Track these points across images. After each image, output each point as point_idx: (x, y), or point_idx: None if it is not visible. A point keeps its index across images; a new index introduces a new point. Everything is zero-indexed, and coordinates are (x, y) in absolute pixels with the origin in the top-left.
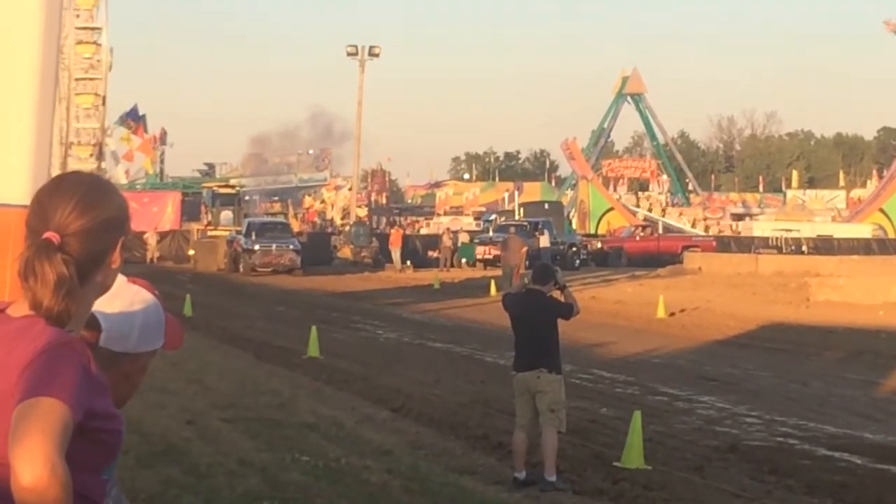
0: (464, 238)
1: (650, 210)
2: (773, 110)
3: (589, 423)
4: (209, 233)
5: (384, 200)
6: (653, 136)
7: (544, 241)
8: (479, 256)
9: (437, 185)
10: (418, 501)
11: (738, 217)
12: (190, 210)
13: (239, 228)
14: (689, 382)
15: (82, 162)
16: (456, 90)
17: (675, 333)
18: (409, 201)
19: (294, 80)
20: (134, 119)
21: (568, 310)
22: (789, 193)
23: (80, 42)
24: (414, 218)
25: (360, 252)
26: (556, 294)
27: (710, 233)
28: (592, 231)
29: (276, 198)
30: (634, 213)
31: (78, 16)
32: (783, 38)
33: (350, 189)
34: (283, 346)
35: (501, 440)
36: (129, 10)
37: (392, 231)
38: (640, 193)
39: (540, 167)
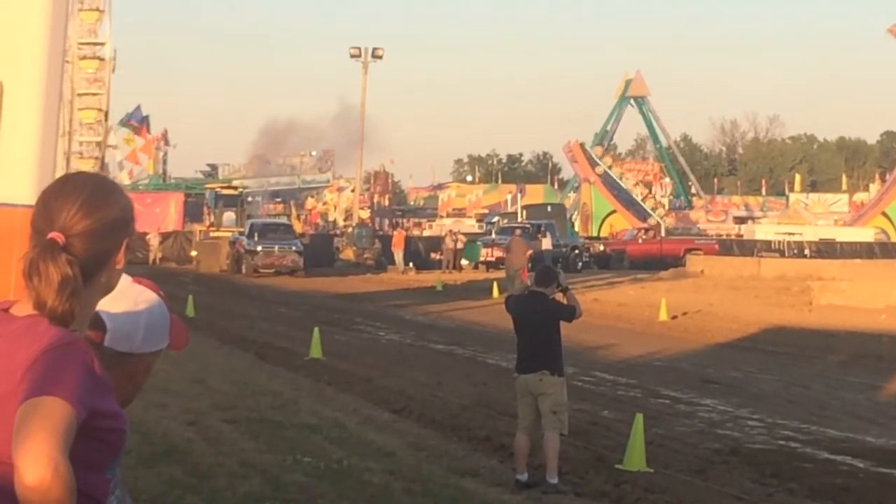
0: (462, 241)
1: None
2: (776, 114)
3: (591, 426)
4: (212, 234)
5: (387, 202)
6: (656, 139)
7: (547, 243)
8: (482, 258)
9: (440, 187)
10: (420, 503)
11: (741, 220)
12: (192, 211)
13: (241, 230)
14: (691, 385)
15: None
16: (459, 92)
17: (678, 336)
18: (412, 203)
19: (297, 81)
20: (137, 120)
21: (570, 312)
22: (792, 197)
23: (83, 57)
24: (416, 220)
25: (363, 254)
26: (559, 296)
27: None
28: (595, 234)
29: (278, 199)
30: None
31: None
32: (787, 42)
33: (353, 191)
34: (285, 348)
35: (503, 442)
36: (133, 10)
37: (395, 233)
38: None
39: (543, 170)
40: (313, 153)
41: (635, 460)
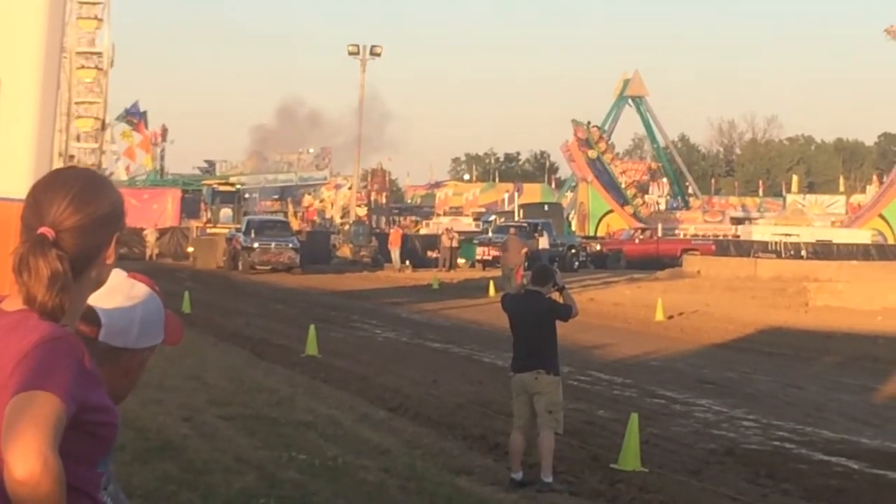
0: (454, 243)
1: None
2: (774, 114)
3: (586, 425)
4: (208, 230)
5: (384, 200)
6: (653, 139)
7: (543, 242)
8: (478, 257)
9: (437, 185)
10: (415, 501)
11: (738, 221)
12: (189, 207)
13: (238, 226)
14: (687, 385)
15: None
16: (457, 91)
17: (674, 336)
18: (409, 201)
19: (295, 77)
20: (135, 116)
21: (566, 311)
22: (789, 198)
23: (80, 67)
24: (414, 218)
25: (360, 251)
26: (555, 295)
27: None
28: (592, 233)
29: (275, 196)
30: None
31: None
32: (785, 43)
33: (350, 188)
34: (281, 345)
35: (499, 441)
36: (131, 6)
37: (391, 231)
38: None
39: (540, 169)
40: (311, 150)
41: (630, 460)
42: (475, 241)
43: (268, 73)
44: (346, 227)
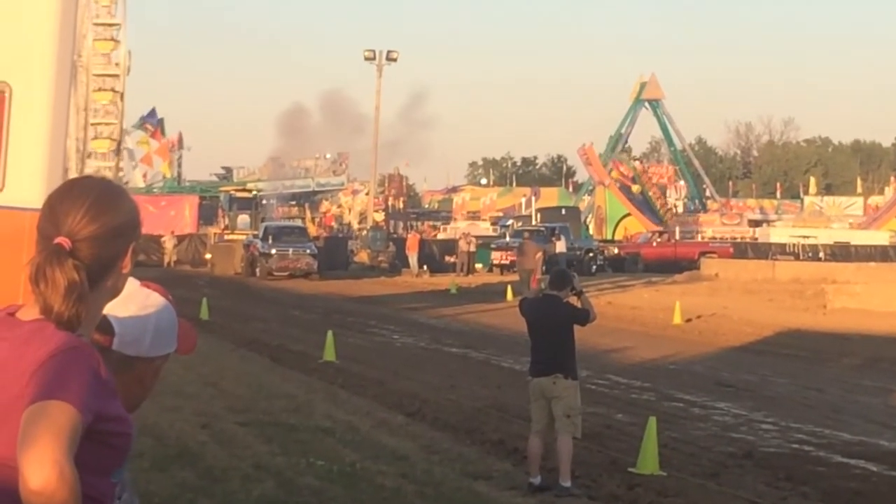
0: (471, 247)
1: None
2: (791, 116)
3: (604, 429)
4: (226, 237)
5: (401, 205)
6: (670, 142)
7: (561, 246)
8: (495, 262)
9: (455, 189)
10: None
11: (756, 223)
12: (207, 214)
13: (256, 232)
14: (705, 389)
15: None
16: (473, 95)
17: (692, 339)
18: (427, 206)
19: (312, 84)
20: (152, 122)
21: (584, 316)
22: (807, 200)
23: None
24: (432, 223)
25: (377, 256)
26: (573, 299)
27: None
28: (609, 237)
29: (293, 202)
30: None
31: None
32: (801, 45)
33: (367, 193)
34: (299, 351)
35: (517, 445)
36: (147, 13)
37: (409, 235)
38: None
39: (557, 172)
40: (328, 156)
41: (648, 464)
42: (492, 246)
43: (285, 79)
44: (364, 232)
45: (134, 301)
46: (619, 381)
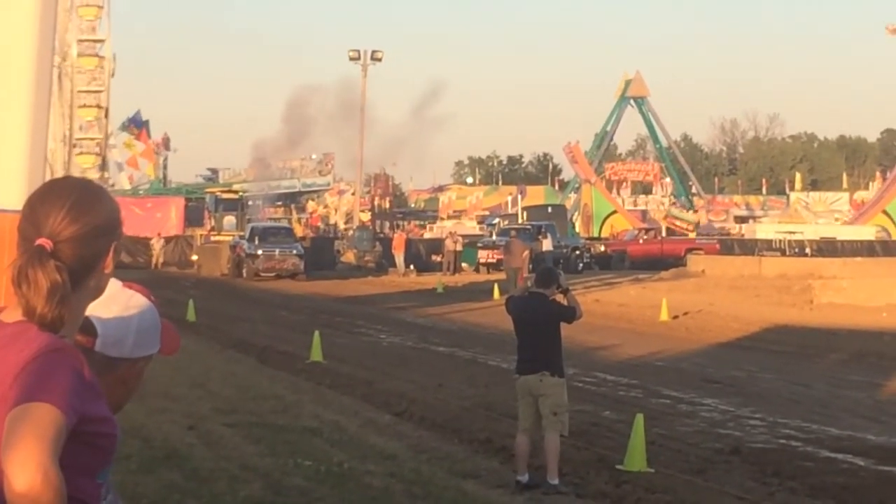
0: (458, 246)
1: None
2: (776, 112)
3: (591, 427)
4: (212, 238)
5: (387, 205)
6: (656, 139)
7: (547, 244)
8: (481, 260)
9: (441, 189)
10: None
11: (742, 219)
12: (193, 215)
13: (242, 233)
14: (692, 385)
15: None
16: (458, 94)
17: (679, 336)
18: (413, 205)
19: (297, 84)
20: (137, 125)
21: (571, 313)
22: (792, 196)
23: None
24: (418, 222)
25: (364, 256)
26: (559, 297)
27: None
28: (596, 234)
29: (279, 203)
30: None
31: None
32: (786, 40)
33: (353, 194)
34: (285, 351)
35: (504, 444)
36: (131, 15)
37: (395, 235)
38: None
39: (543, 171)
40: (313, 156)
41: (636, 461)
42: (478, 245)
43: (270, 81)
44: (350, 232)
45: (116, 302)
46: (606, 378)
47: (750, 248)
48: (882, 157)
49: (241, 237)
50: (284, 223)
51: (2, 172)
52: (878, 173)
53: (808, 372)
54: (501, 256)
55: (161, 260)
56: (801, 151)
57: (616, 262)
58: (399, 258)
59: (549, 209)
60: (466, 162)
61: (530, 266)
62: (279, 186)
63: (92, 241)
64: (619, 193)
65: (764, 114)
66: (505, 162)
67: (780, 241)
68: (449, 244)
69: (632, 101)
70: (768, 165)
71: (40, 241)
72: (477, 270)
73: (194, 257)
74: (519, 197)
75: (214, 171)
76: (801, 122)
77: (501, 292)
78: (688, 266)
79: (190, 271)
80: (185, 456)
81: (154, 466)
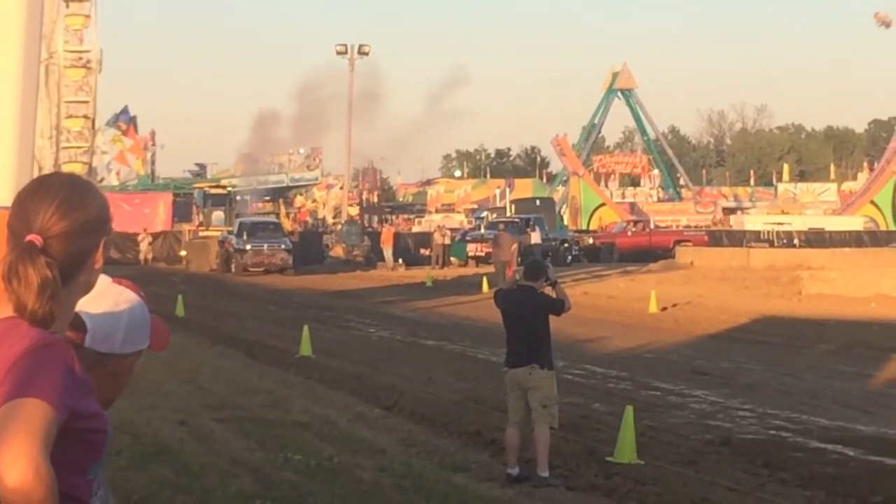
0: (446, 240)
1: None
2: (764, 104)
3: (581, 419)
4: (201, 233)
5: (375, 199)
6: (643, 132)
7: (536, 237)
8: (470, 254)
9: (429, 182)
10: (411, 499)
11: (730, 211)
12: (181, 211)
13: (230, 229)
14: (682, 377)
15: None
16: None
17: (668, 328)
18: (401, 199)
19: (285, 79)
20: (124, 121)
21: (559, 306)
22: (780, 187)
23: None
24: (406, 216)
25: (352, 251)
26: (548, 290)
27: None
28: (584, 227)
29: (267, 197)
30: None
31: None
32: (773, 31)
33: (341, 188)
34: (275, 346)
35: (494, 437)
36: (118, 10)
37: (384, 229)
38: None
39: (531, 164)
40: (301, 151)
41: (626, 453)
42: (467, 238)
43: (257, 75)
44: (339, 226)
45: (106, 298)
46: (595, 370)
47: (738, 239)
48: (869, 147)
49: (230, 232)
50: (273, 218)
51: None
52: (865, 164)
53: (797, 363)
54: (490, 250)
55: (150, 256)
56: (788, 142)
57: (604, 254)
58: (388, 252)
59: (538, 202)
60: (454, 155)
61: (519, 259)
62: (267, 181)
63: (82, 236)
64: (607, 186)
65: (751, 105)
66: (493, 155)
67: (769, 232)
68: (437, 238)
69: (619, 94)
70: (756, 157)
71: (30, 237)
72: (465, 263)
73: (183, 253)
74: (507, 190)
75: (202, 167)
76: (788, 114)
77: (490, 286)
78: (676, 258)
79: (178, 267)
80: (176, 451)
81: (144, 462)
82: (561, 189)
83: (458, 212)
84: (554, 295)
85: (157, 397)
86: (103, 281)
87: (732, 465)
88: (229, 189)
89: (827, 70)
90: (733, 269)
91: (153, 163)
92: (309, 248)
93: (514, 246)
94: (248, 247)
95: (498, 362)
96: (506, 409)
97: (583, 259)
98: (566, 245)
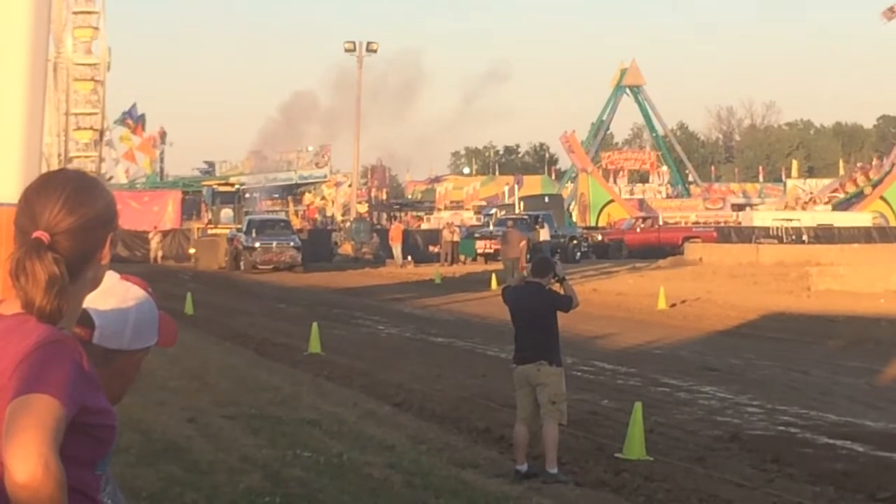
0: (455, 237)
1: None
2: (772, 100)
3: (590, 415)
4: (210, 231)
5: (384, 196)
6: (652, 128)
7: (544, 234)
8: (479, 251)
9: (437, 179)
10: (420, 496)
11: (739, 207)
12: (190, 209)
13: (239, 226)
14: (691, 373)
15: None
16: (453, 85)
17: (676, 324)
18: (409, 196)
19: (293, 76)
20: (133, 118)
21: (567, 302)
22: (789, 183)
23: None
24: (416, 213)
25: (361, 248)
26: (556, 287)
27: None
28: (593, 223)
29: (276, 195)
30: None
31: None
32: (781, 27)
33: (350, 185)
34: (284, 343)
35: (503, 433)
36: (127, 8)
37: (392, 226)
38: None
39: (539, 160)
40: (310, 148)
41: (635, 449)
42: (476, 235)
43: (266, 73)
44: (348, 224)
45: (114, 294)
46: (604, 367)
47: (747, 235)
48: (878, 143)
49: (239, 230)
50: (282, 215)
51: None
52: (874, 160)
53: (806, 359)
54: (499, 247)
55: (160, 254)
56: (797, 139)
57: (613, 250)
58: (396, 249)
59: (546, 199)
60: (463, 152)
61: (528, 256)
62: (276, 179)
63: (88, 232)
64: (615, 182)
65: (760, 101)
66: (501, 152)
67: (778, 228)
68: (446, 235)
69: (628, 90)
70: (765, 153)
71: (37, 233)
72: (474, 260)
73: (192, 250)
74: (516, 187)
75: (211, 164)
76: (797, 110)
77: (499, 282)
78: (685, 254)
79: (187, 264)
80: (185, 448)
81: (153, 459)
82: (570, 186)
83: (467, 209)
84: (562, 291)
85: (165, 394)
86: (111, 277)
87: (741, 461)
88: (238, 186)
89: (835, 66)
90: (742, 266)
91: (162, 160)
92: (318, 245)
93: (523, 243)
94: (257, 244)
95: (507, 359)
96: (515, 406)
97: (591, 256)
98: (575, 242)
